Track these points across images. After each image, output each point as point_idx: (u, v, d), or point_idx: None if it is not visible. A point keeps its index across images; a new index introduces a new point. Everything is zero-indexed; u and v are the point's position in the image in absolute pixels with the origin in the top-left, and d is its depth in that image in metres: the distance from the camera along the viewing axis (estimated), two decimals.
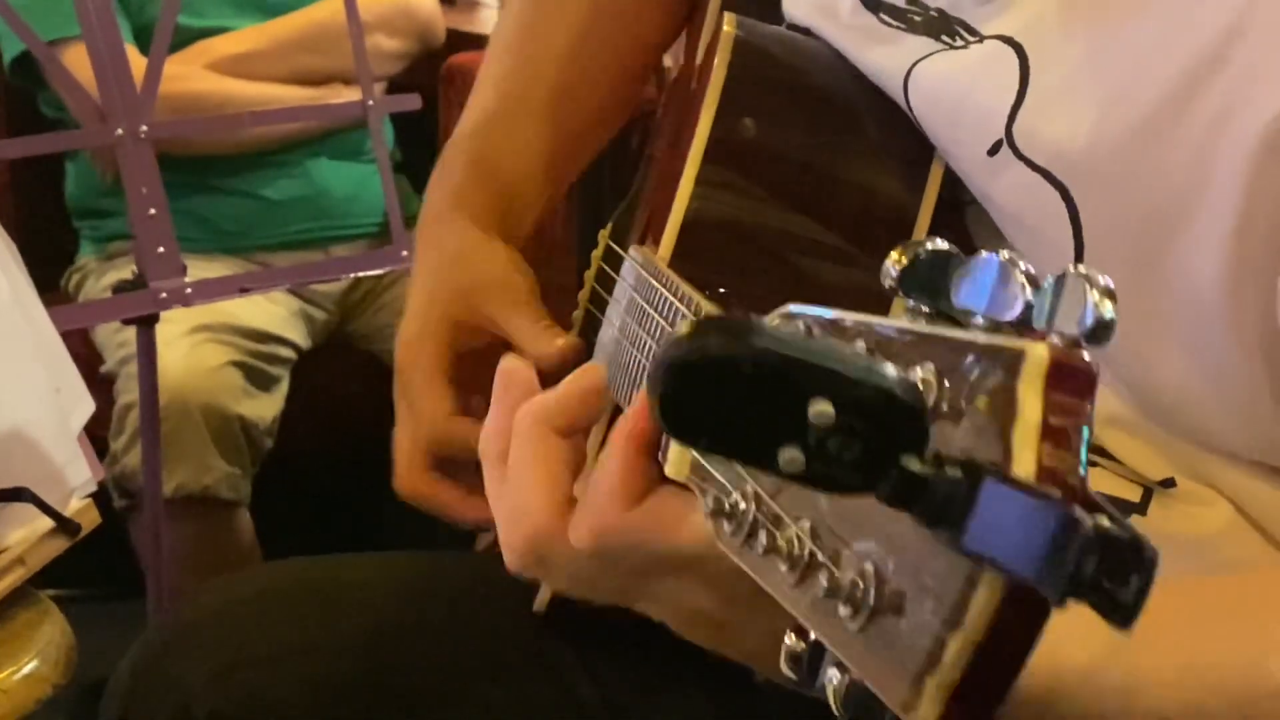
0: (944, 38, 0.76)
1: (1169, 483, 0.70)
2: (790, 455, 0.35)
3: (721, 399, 0.35)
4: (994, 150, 0.71)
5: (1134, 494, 0.71)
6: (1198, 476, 0.70)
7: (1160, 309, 0.66)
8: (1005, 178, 0.71)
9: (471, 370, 0.89)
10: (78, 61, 1.66)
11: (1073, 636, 0.54)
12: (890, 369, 0.35)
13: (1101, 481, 0.71)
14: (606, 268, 0.94)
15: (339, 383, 2.25)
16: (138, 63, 1.64)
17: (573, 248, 1.95)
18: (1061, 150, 0.68)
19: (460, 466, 0.91)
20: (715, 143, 0.77)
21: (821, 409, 0.35)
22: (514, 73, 1.01)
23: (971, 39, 0.74)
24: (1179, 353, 0.67)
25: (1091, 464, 0.71)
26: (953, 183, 0.77)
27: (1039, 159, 0.69)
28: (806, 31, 0.85)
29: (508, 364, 0.67)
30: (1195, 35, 0.65)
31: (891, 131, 0.78)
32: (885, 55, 0.78)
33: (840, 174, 0.78)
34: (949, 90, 0.74)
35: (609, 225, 1.01)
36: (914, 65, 0.75)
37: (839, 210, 0.78)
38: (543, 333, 0.87)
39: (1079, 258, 0.68)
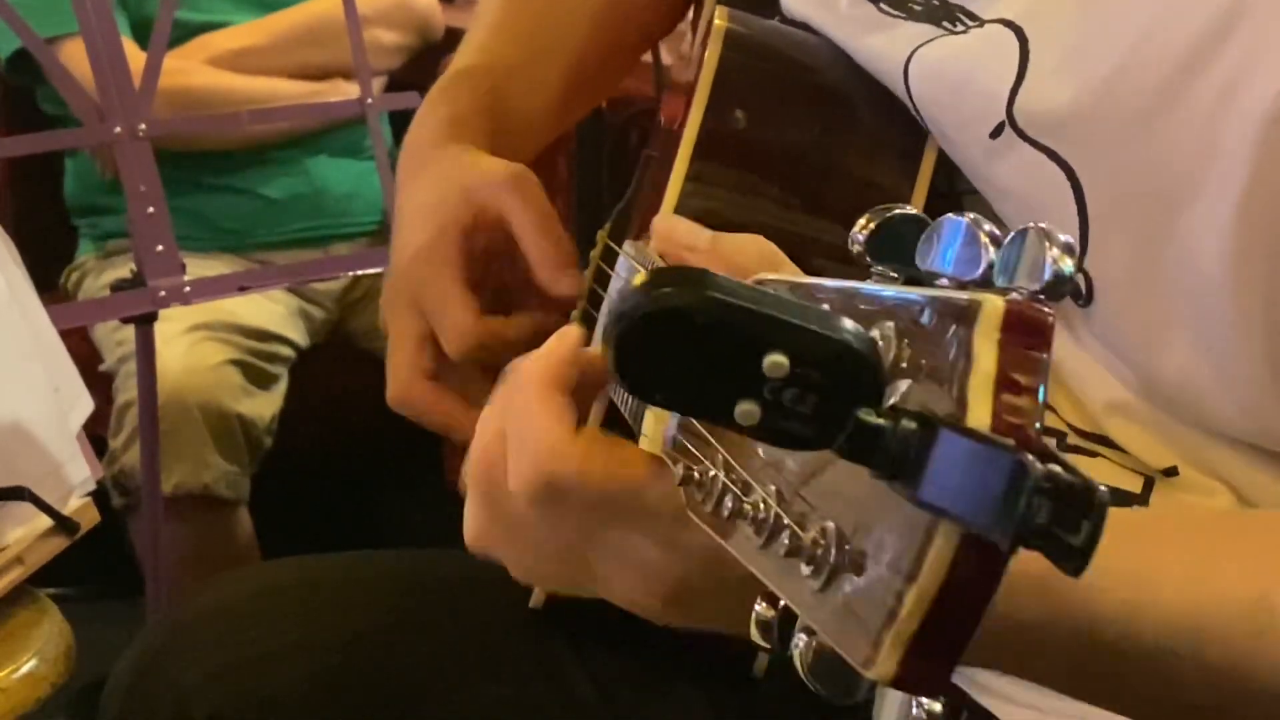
0: (944, 24, 0.75)
1: (1171, 471, 0.70)
2: (746, 408, 0.35)
3: (675, 350, 0.35)
4: (997, 132, 0.70)
5: (1135, 484, 0.71)
6: (1200, 465, 0.70)
7: (1165, 288, 0.66)
8: (1009, 159, 0.70)
9: (483, 269, 0.87)
10: (76, 58, 1.65)
11: None
12: (845, 321, 0.35)
13: (1103, 472, 0.70)
14: (604, 266, 0.94)
15: (338, 381, 2.25)
16: (136, 57, 1.64)
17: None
18: (1065, 126, 0.68)
19: (452, 378, 0.87)
20: (706, 134, 0.77)
21: (776, 360, 0.34)
22: (539, 29, 1.01)
23: (971, 24, 0.74)
24: (1183, 333, 0.67)
25: (1095, 454, 0.71)
26: (948, 173, 0.77)
27: (1042, 137, 0.69)
28: (803, 25, 0.85)
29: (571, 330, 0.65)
30: (1199, 10, 0.65)
31: (884, 123, 0.78)
32: (884, 42, 0.77)
33: (832, 165, 0.78)
34: (950, 74, 0.73)
35: (608, 225, 1.01)
36: (914, 51, 0.75)
37: (830, 201, 0.77)
38: (548, 231, 0.86)
39: (1084, 237, 0.68)
